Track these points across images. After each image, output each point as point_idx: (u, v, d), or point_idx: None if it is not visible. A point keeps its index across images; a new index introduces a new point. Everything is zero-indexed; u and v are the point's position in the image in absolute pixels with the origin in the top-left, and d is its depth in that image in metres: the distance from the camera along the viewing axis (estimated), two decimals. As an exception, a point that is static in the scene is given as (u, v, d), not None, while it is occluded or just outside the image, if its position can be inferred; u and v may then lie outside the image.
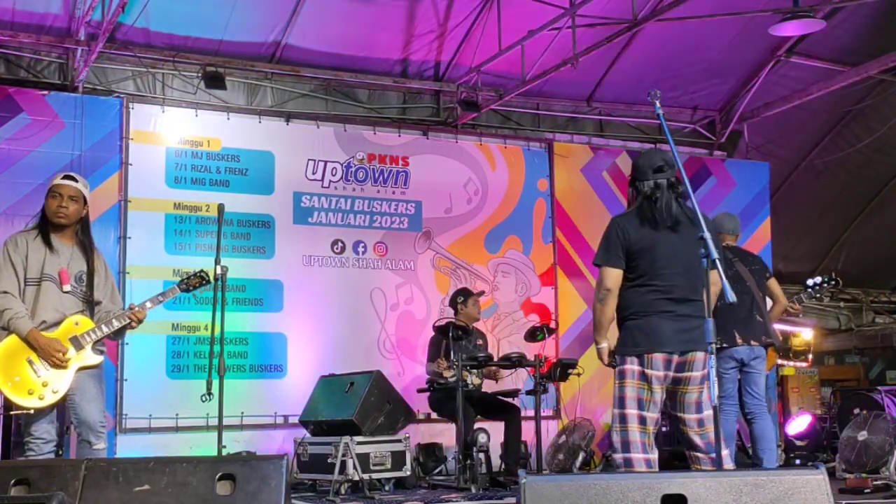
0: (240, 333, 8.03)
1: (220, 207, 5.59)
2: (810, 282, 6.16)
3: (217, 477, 3.28)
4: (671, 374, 4.22)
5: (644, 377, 4.22)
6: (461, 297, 7.92)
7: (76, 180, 4.94)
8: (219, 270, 5.26)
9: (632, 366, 4.25)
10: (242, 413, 7.93)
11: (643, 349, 4.23)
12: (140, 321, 4.91)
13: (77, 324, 4.79)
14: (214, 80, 8.16)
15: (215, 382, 5.20)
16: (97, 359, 4.84)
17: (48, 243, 4.80)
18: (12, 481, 3.27)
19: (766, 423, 6.41)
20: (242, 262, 8.02)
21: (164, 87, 8.32)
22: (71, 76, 7.94)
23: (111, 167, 7.89)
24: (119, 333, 4.99)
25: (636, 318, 4.29)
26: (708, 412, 4.27)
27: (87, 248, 4.94)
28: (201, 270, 5.28)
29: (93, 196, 7.56)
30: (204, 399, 5.21)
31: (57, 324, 4.79)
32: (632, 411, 4.22)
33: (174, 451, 7.35)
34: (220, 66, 8.27)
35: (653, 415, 4.23)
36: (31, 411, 4.67)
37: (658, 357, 4.20)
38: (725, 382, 6.30)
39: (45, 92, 7.79)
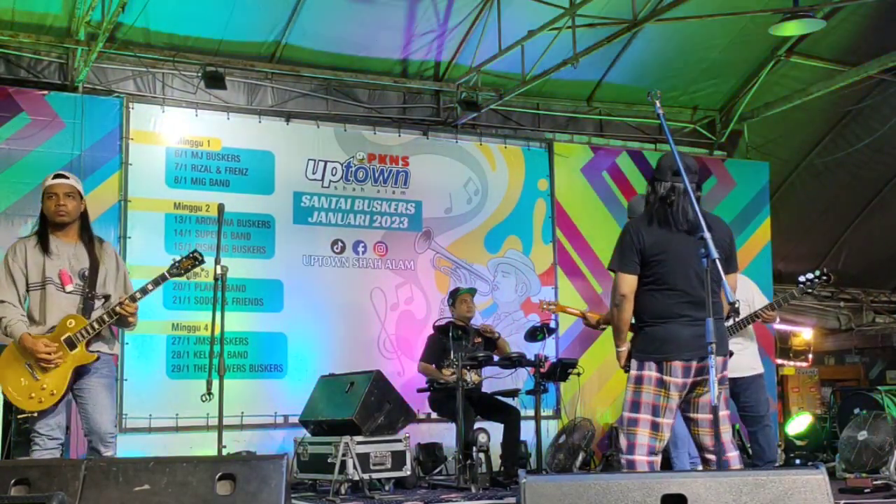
0: (240, 333, 8.03)
1: (221, 207, 5.60)
2: (802, 277, 6.14)
3: (217, 477, 3.28)
4: (690, 380, 4.18)
5: (662, 384, 4.17)
6: (450, 299, 7.97)
7: (67, 177, 4.94)
8: (219, 270, 5.26)
9: (650, 371, 4.20)
10: (242, 413, 7.93)
11: (663, 356, 4.18)
12: (130, 313, 4.83)
13: (70, 323, 4.77)
14: (214, 80, 8.16)
15: (215, 382, 5.20)
16: (91, 356, 4.79)
17: (45, 248, 4.81)
18: (12, 481, 3.27)
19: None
20: (242, 262, 8.02)
21: (164, 87, 8.32)
22: (71, 76, 7.94)
23: (111, 167, 7.89)
24: (121, 324, 4.93)
25: (655, 324, 4.25)
26: (722, 413, 4.24)
27: (90, 242, 4.94)
28: (194, 251, 5.13)
29: (93, 196, 7.66)
30: (204, 399, 5.22)
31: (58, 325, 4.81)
32: (645, 416, 4.18)
33: (174, 451, 7.35)
34: (220, 66, 8.27)
35: (668, 421, 4.19)
36: (35, 414, 4.72)
37: (677, 364, 4.16)
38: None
39: (45, 92, 7.79)
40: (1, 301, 4.75)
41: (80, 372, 4.79)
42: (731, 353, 6.00)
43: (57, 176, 4.93)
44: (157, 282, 4.91)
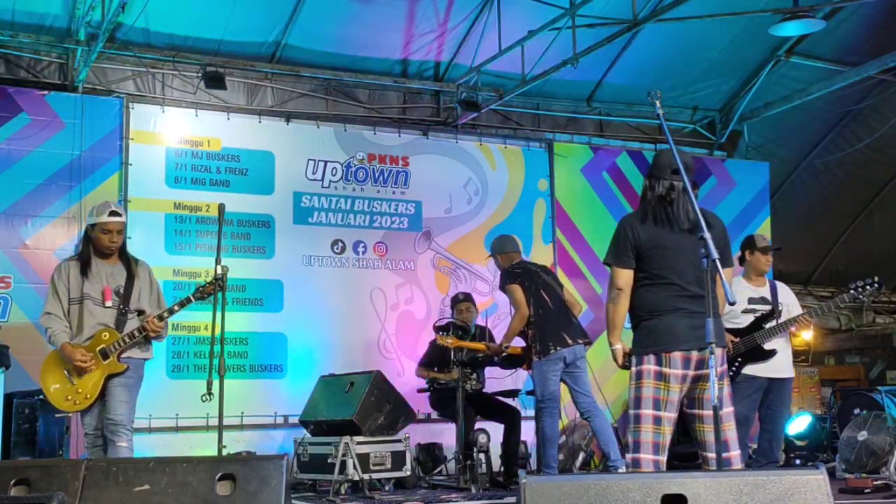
0: (240, 333, 8.03)
1: (221, 207, 5.62)
2: (853, 284, 6.17)
3: (217, 477, 3.28)
4: (690, 372, 4.16)
5: (661, 376, 4.15)
6: (453, 305, 7.94)
7: (120, 214, 5.42)
8: (219, 270, 5.31)
9: (649, 365, 4.18)
10: (242, 413, 7.94)
11: (661, 348, 4.17)
12: (155, 331, 5.33)
13: (105, 336, 5.27)
14: (214, 80, 8.16)
15: (215, 382, 5.23)
16: (121, 367, 5.27)
17: (84, 271, 5.33)
18: (12, 481, 3.27)
19: (602, 419, 6.78)
20: (242, 262, 8.02)
21: (164, 87, 8.32)
22: (71, 76, 7.95)
23: (111, 167, 7.89)
24: (150, 337, 5.39)
25: (651, 317, 4.24)
26: (727, 409, 4.24)
27: (126, 263, 5.45)
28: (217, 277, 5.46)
29: (93, 196, 7.66)
30: (204, 399, 5.24)
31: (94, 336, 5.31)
32: (647, 412, 4.16)
33: (174, 451, 7.35)
34: (220, 66, 8.27)
35: (670, 415, 4.16)
36: (70, 414, 5.37)
37: (677, 355, 4.14)
38: (552, 384, 6.76)
39: (45, 92, 7.79)
40: (48, 313, 5.33)
41: (110, 377, 5.28)
42: (776, 352, 6.14)
43: (112, 213, 5.37)
44: (182, 304, 5.39)
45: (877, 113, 10.14)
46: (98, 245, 5.37)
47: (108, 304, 5.33)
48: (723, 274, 3.89)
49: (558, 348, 6.72)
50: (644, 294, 4.29)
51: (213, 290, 5.43)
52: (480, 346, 7.31)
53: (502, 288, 7.11)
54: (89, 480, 3.29)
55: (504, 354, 7.20)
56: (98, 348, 5.24)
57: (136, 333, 5.28)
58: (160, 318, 5.31)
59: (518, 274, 7.00)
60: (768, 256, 6.45)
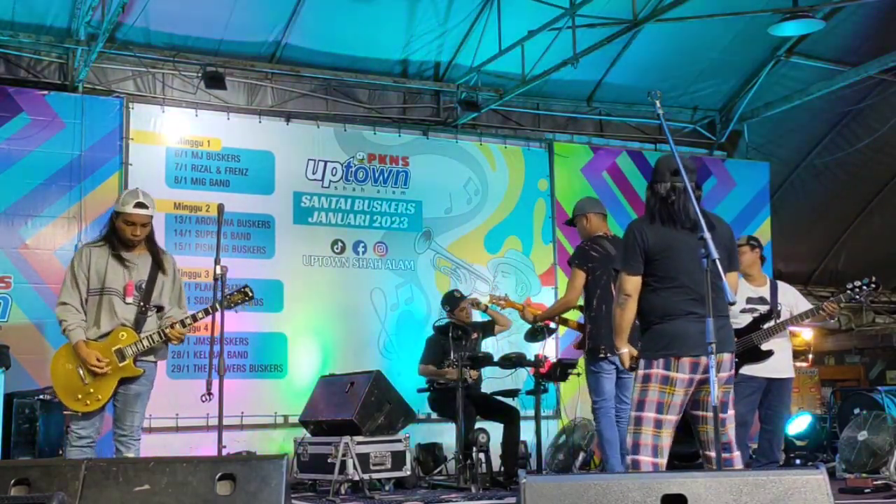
0: (240, 333, 8.03)
1: (220, 207, 5.61)
2: (850, 284, 6.18)
3: (217, 477, 3.28)
4: (697, 377, 4.19)
5: (668, 381, 4.18)
6: (447, 306, 7.86)
7: (147, 206, 5.21)
8: (218, 270, 5.29)
9: (657, 369, 4.21)
10: (242, 413, 7.94)
11: (671, 352, 4.20)
12: (178, 339, 5.16)
13: (122, 336, 5.09)
14: (214, 80, 8.16)
15: (215, 382, 5.22)
16: (138, 371, 5.12)
17: (109, 259, 5.12)
18: (12, 481, 3.27)
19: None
20: (242, 262, 8.02)
21: (164, 87, 8.32)
22: (71, 76, 7.95)
23: (111, 167, 7.89)
24: (168, 341, 5.20)
25: (662, 321, 4.26)
26: (731, 412, 4.26)
27: (154, 255, 5.25)
28: (245, 286, 5.40)
29: (93, 196, 7.66)
30: (204, 399, 5.23)
31: (111, 333, 5.10)
32: (649, 415, 4.19)
33: (174, 451, 7.34)
34: (220, 66, 8.27)
35: (672, 418, 4.19)
36: (80, 413, 5.08)
37: (685, 361, 4.17)
38: (606, 382, 6.32)
39: (45, 92, 7.79)
40: (64, 303, 5.09)
41: (124, 380, 5.12)
42: (773, 353, 6.13)
43: (138, 205, 5.18)
44: (206, 311, 5.21)
45: (877, 113, 10.14)
46: (120, 235, 5.16)
47: (129, 300, 5.12)
48: (723, 274, 3.89)
49: (608, 355, 6.25)
50: (654, 298, 4.31)
51: (239, 301, 5.32)
52: (518, 306, 7.17)
53: (570, 263, 6.49)
54: (89, 480, 3.29)
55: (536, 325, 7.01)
56: (114, 348, 5.05)
57: (157, 338, 5.10)
58: (183, 324, 5.11)
59: (593, 258, 6.27)
60: (740, 252, 6.41)
